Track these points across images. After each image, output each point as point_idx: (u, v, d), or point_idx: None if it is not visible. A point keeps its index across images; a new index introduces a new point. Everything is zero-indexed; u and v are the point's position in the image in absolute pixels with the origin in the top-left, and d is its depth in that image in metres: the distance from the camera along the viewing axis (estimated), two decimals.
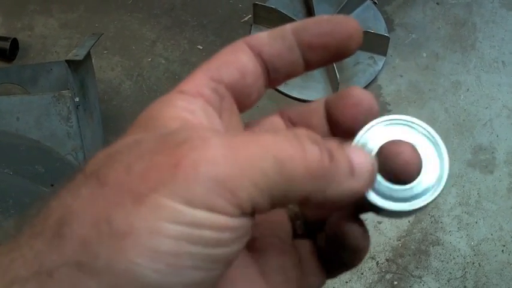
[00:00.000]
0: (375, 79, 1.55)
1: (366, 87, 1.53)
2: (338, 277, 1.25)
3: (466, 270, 1.29)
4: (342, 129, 0.29)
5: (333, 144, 0.24)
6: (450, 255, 1.31)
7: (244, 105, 0.29)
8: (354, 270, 1.28)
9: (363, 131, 0.28)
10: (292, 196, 0.23)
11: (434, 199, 0.27)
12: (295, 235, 0.31)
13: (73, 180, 0.23)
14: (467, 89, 1.54)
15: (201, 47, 1.61)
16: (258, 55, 0.28)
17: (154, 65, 1.58)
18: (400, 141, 0.27)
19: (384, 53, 1.56)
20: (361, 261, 0.30)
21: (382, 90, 1.54)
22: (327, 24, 0.27)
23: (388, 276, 1.29)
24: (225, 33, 1.63)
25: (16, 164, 0.99)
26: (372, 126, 0.28)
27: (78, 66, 1.20)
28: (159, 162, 0.21)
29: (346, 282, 1.28)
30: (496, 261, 1.30)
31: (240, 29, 1.65)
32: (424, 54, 1.60)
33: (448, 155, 0.27)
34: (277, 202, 0.23)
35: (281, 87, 1.50)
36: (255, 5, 1.57)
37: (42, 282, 0.20)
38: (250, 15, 1.64)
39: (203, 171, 0.21)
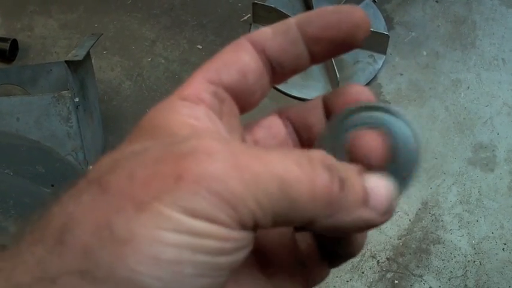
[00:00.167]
0: (374, 78, 1.55)
1: (365, 85, 1.52)
2: (339, 276, 1.25)
3: (467, 268, 1.29)
4: None
5: (350, 171, 0.24)
6: (451, 253, 1.31)
7: (248, 104, 0.28)
8: (354, 269, 1.28)
9: (335, 120, 0.27)
10: (296, 218, 0.22)
11: (406, 187, 0.26)
12: (295, 228, 0.31)
13: (75, 186, 0.22)
14: (468, 87, 1.54)
15: (201, 47, 1.61)
16: (262, 52, 0.27)
17: (154, 65, 1.58)
18: (366, 131, 0.26)
19: (384, 52, 1.56)
20: (358, 253, 0.30)
21: (382, 89, 1.54)
22: (332, 15, 0.26)
23: (388, 275, 1.29)
24: (225, 33, 1.63)
25: (16, 164, 0.99)
26: (346, 114, 0.27)
27: (77, 67, 1.20)
28: (162, 172, 0.21)
29: (347, 281, 1.28)
30: (497, 259, 1.30)
31: (240, 28, 1.65)
32: (424, 53, 1.60)
33: (420, 143, 0.26)
34: (280, 222, 0.22)
35: (281, 86, 1.50)
36: (254, 4, 1.57)
37: None
38: (249, 15, 1.64)
39: (206, 186, 0.21)
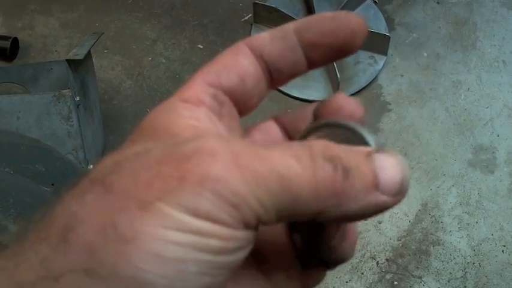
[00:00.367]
0: (375, 78, 1.55)
1: (366, 86, 1.53)
2: (338, 277, 1.25)
3: (467, 270, 1.29)
4: None
5: (356, 157, 0.23)
6: (450, 255, 1.31)
7: (246, 108, 0.28)
8: (354, 270, 1.28)
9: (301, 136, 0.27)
10: (301, 212, 0.22)
11: None
12: (291, 229, 0.31)
13: (77, 186, 0.23)
14: (468, 89, 1.54)
15: (202, 47, 1.61)
16: (260, 56, 0.27)
17: (154, 65, 1.58)
18: None
19: (385, 53, 1.56)
20: (349, 258, 0.30)
21: (383, 90, 1.54)
22: (330, 22, 0.27)
23: (388, 276, 1.29)
24: (226, 33, 1.63)
25: (16, 163, 0.99)
26: (308, 130, 0.27)
27: (78, 66, 1.20)
28: (165, 173, 0.21)
29: (347, 282, 1.28)
30: (496, 261, 1.30)
31: (241, 28, 1.65)
32: (425, 54, 1.60)
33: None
34: (284, 217, 0.22)
35: (281, 87, 1.50)
36: (255, 4, 1.57)
37: (49, 287, 0.20)
38: (250, 15, 1.64)
39: (208, 187, 0.21)
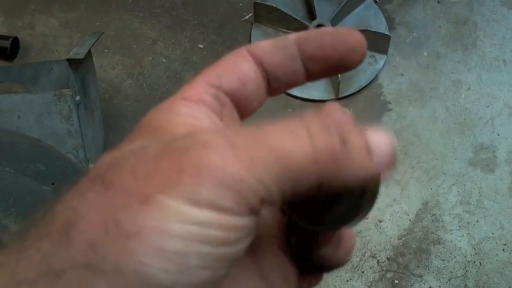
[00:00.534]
0: (375, 78, 1.55)
1: (366, 86, 1.53)
2: (339, 276, 1.25)
3: (467, 269, 1.29)
4: None
5: (348, 128, 0.24)
6: (451, 254, 1.31)
7: (246, 112, 0.29)
8: (354, 268, 1.28)
9: None
10: (303, 186, 0.23)
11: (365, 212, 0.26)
12: (288, 231, 0.31)
13: (77, 185, 0.23)
14: (468, 88, 1.54)
15: (202, 46, 1.61)
16: (260, 63, 0.28)
17: (155, 64, 1.58)
18: None
19: (385, 52, 1.56)
20: (344, 263, 0.30)
21: (383, 89, 1.54)
22: (330, 36, 0.27)
23: (389, 275, 1.29)
24: (226, 32, 1.63)
25: (17, 162, 1.00)
26: None
27: (79, 65, 1.20)
28: (164, 167, 0.21)
29: (347, 280, 1.28)
30: (497, 260, 1.30)
31: (241, 28, 1.65)
32: (425, 53, 1.60)
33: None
34: (287, 194, 0.23)
35: None
36: (255, 3, 1.57)
37: (50, 283, 0.20)
38: (250, 14, 1.64)
39: (207, 176, 0.21)
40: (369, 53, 1.56)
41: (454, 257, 1.31)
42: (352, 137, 0.23)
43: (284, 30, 1.60)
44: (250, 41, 1.59)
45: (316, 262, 0.29)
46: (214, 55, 1.59)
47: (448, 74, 1.56)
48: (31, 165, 1.00)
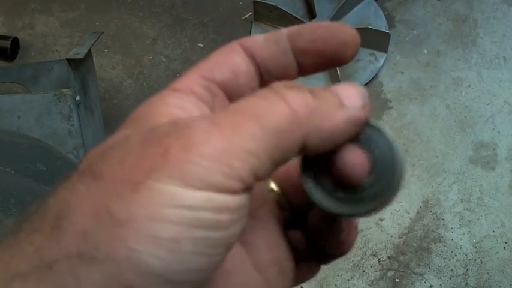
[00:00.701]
0: (376, 76, 1.55)
1: (366, 84, 1.53)
2: (340, 275, 1.25)
3: (468, 267, 1.29)
4: None
5: (314, 86, 0.25)
6: (452, 252, 1.31)
7: None
8: (355, 267, 1.28)
9: None
10: (290, 148, 0.23)
11: (384, 204, 0.26)
12: (286, 226, 0.31)
13: (69, 179, 0.23)
14: (469, 86, 1.53)
15: (202, 45, 1.61)
16: (252, 57, 0.28)
17: (155, 63, 1.58)
18: (349, 146, 0.27)
19: (385, 50, 1.56)
20: (348, 251, 0.30)
21: (383, 87, 1.54)
22: (322, 30, 0.28)
23: (390, 274, 1.29)
24: (226, 31, 1.63)
25: (17, 162, 1.00)
26: None
27: (79, 65, 1.20)
28: (149, 152, 0.22)
29: (348, 279, 1.28)
30: (498, 258, 1.30)
31: (241, 26, 1.64)
32: (425, 51, 1.59)
33: (402, 164, 0.26)
34: (277, 159, 0.23)
35: None
36: (255, 2, 1.57)
37: (43, 275, 0.20)
38: (250, 13, 1.64)
39: (194, 152, 0.21)
40: (369, 51, 1.56)
41: (455, 255, 1.30)
42: (321, 92, 0.24)
43: None
44: None
45: (329, 249, 0.30)
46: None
47: (449, 72, 1.56)
48: (31, 166, 1.00)
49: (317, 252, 0.31)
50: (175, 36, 1.63)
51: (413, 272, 1.29)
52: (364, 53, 1.56)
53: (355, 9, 1.64)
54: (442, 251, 1.31)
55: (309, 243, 0.31)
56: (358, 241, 1.31)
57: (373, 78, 1.54)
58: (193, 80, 0.27)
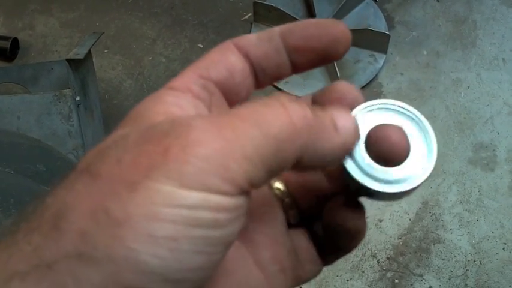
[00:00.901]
0: (375, 77, 1.55)
1: (366, 85, 1.53)
2: (339, 275, 1.25)
3: (467, 268, 1.29)
4: None
5: (315, 106, 0.26)
6: (451, 253, 1.31)
7: (234, 102, 0.29)
8: (355, 268, 1.28)
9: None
10: (286, 158, 0.23)
11: (424, 181, 0.28)
12: (289, 225, 0.31)
13: (66, 178, 0.23)
14: (468, 87, 1.54)
15: (202, 46, 1.61)
16: (246, 55, 0.28)
17: (155, 64, 1.59)
18: (388, 124, 0.28)
19: (385, 51, 1.56)
20: (358, 245, 0.31)
21: (383, 88, 1.54)
22: (314, 27, 0.28)
23: (389, 275, 1.29)
24: (226, 32, 1.63)
25: (17, 163, 0.99)
26: (360, 111, 0.29)
27: (78, 65, 1.20)
28: (148, 151, 0.22)
29: (347, 280, 1.28)
30: (497, 259, 1.30)
31: (241, 27, 1.65)
32: (425, 52, 1.60)
33: (435, 138, 0.28)
34: (272, 169, 0.23)
35: (281, 85, 1.50)
36: (255, 3, 1.57)
37: (42, 274, 0.20)
38: (250, 14, 1.64)
39: (193, 153, 0.21)
40: (369, 52, 1.56)
41: (454, 256, 1.31)
42: (319, 112, 0.25)
43: None
44: None
45: (342, 242, 0.30)
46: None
47: (448, 73, 1.56)
48: (31, 166, 1.00)
49: (322, 250, 0.31)
50: (175, 37, 1.63)
51: (413, 273, 1.29)
52: (364, 54, 1.56)
53: (355, 10, 1.64)
54: (442, 252, 1.31)
55: (315, 241, 0.32)
56: None
57: (372, 79, 1.54)
58: (190, 78, 0.27)
